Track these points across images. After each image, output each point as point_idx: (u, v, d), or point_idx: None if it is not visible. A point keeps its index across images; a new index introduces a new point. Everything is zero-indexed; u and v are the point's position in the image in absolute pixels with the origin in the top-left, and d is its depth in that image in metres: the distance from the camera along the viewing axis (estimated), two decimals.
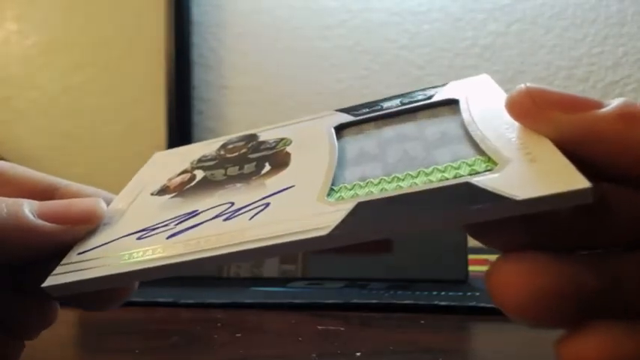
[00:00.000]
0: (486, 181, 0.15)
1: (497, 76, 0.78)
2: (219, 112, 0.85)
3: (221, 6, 0.86)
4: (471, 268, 0.42)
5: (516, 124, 0.17)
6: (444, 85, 0.22)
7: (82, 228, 0.20)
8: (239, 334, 0.30)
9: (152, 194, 0.22)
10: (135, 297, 0.39)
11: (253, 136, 0.25)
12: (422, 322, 0.33)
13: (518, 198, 0.14)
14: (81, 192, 0.22)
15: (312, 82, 0.83)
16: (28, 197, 0.20)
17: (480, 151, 0.17)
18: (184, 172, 0.24)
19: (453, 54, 0.80)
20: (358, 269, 0.44)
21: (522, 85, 0.17)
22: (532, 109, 0.16)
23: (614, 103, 0.16)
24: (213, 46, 0.86)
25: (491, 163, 0.16)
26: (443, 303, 0.35)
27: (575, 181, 0.14)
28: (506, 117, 0.17)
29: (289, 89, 0.83)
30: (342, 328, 0.31)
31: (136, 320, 0.35)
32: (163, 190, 0.22)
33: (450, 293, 0.38)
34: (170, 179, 0.23)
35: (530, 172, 0.15)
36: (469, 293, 0.37)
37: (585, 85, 0.77)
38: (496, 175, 0.15)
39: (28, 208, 0.19)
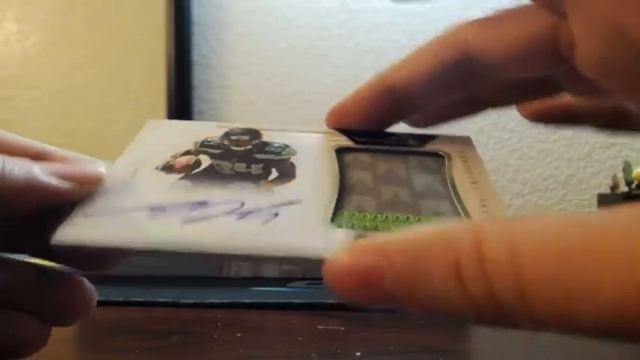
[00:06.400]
0: None
1: None
2: (220, 112, 0.85)
3: (221, 6, 0.86)
4: None
5: (488, 197, 0.21)
6: (434, 137, 0.25)
7: (88, 188, 0.20)
8: (239, 334, 0.30)
9: (157, 168, 0.22)
10: (135, 297, 0.39)
11: (256, 133, 0.25)
12: (422, 322, 0.33)
13: None
14: (69, 157, 0.22)
15: (313, 82, 0.83)
16: None
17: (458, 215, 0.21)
18: (188, 152, 0.23)
19: None
20: None
21: None
22: None
23: None
24: (213, 46, 0.86)
25: None
26: None
27: None
28: (479, 194, 0.21)
29: (290, 89, 0.83)
30: (342, 328, 0.31)
31: (136, 320, 0.35)
32: (168, 168, 0.22)
33: None
34: (174, 157, 0.23)
35: None
36: None
37: None
38: None
39: (37, 167, 0.19)
